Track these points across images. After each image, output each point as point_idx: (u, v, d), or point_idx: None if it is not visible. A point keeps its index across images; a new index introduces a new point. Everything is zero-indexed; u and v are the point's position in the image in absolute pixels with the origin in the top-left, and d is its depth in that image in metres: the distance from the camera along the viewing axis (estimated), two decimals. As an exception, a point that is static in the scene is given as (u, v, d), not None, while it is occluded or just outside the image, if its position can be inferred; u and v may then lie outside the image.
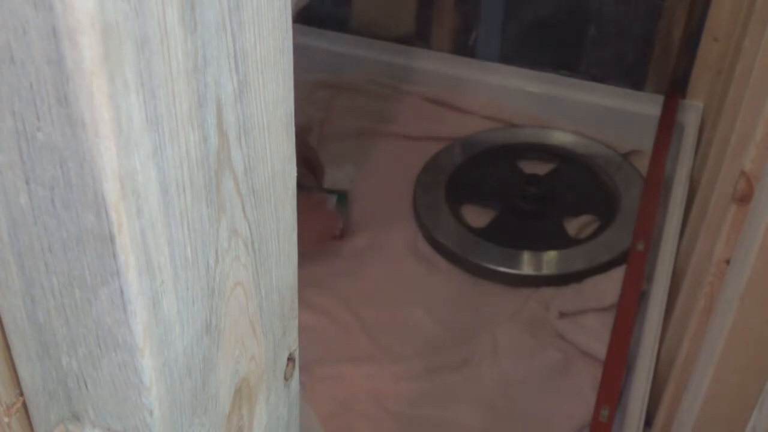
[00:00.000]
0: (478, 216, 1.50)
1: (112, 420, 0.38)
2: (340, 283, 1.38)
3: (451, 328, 1.32)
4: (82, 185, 0.30)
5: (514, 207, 1.49)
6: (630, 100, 1.63)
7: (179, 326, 0.36)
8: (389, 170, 1.58)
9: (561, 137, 1.61)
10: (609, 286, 1.34)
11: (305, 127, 1.61)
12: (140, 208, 0.31)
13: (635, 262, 1.31)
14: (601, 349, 1.24)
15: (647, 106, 1.60)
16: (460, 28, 1.73)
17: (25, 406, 0.39)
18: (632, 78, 1.64)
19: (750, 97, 0.96)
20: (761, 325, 0.74)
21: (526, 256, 1.40)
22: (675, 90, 1.60)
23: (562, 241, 1.44)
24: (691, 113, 1.57)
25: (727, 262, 0.90)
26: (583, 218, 1.48)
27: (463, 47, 1.74)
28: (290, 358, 0.48)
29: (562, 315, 1.32)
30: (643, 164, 1.54)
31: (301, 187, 1.40)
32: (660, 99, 1.60)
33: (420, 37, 1.76)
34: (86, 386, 0.37)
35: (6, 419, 0.39)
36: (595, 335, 1.28)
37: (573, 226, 1.47)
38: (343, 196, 1.48)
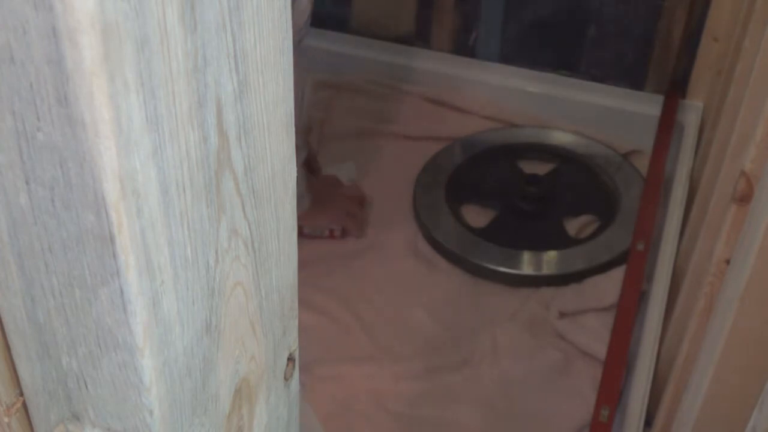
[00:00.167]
0: (478, 216, 1.50)
1: (112, 420, 0.38)
2: (340, 283, 1.38)
3: (451, 328, 1.32)
4: (82, 185, 0.30)
5: (514, 207, 1.49)
6: (630, 100, 1.63)
7: (179, 326, 0.36)
8: (389, 170, 1.58)
9: (561, 137, 1.61)
10: (609, 286, 1.34)
11: (305, 127, 1.61)
12: (140, 208, 0.31)
13: (635, 262, 1.31)
14: (601, 349, 1.24)
15: (647, 106, 1.60)
16: (460, 28, 1.73)
17: (25, 406, 0.39)
18: (632, 78, 1.64)
19: (750, 97, 0.96)
20: (761, 325, 0.74)
21: (526, 256, 1.40)
22: (675, 90, 1.60)
23: (562, 241, 1.44)
24: (691, 113, 1.57)
25: (727, 262, 0.90)
26: (583, 218, 1.48)
27: (463, 47, 1.74)
28: (290, 358, 0.48)
29: (562, 315, 1.32)
30: (643, 164, 1.54)
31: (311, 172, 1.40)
32: (660, 99, 1.60)
33: (420, 37, 1.76)
34: (86, 386, 0.37)
35: (6, 419, 0.39)
36: (595, 335, 1.28)
37: (573, 226, 1.47)
38: None
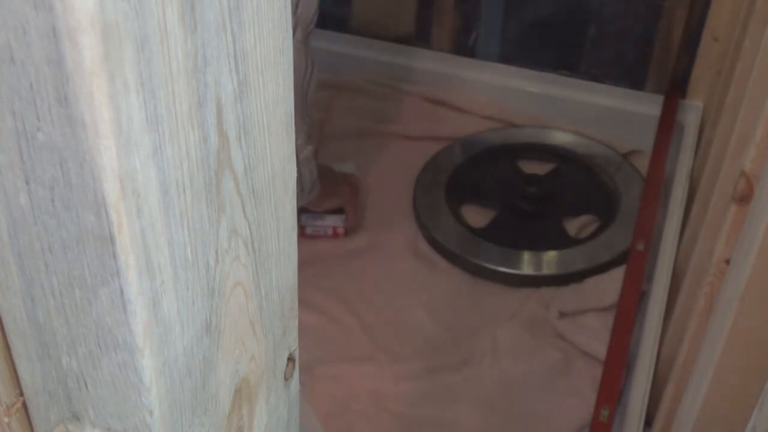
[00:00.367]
0: (478, 216, 1.50)
1: (112, 420, 0.38)
2: (340, 283, 1.38)
3: (451, 328, 1.32)
4: (82, 185, 0.30)
5: (514, 207, 1.49)
6: (630, 100, 1.63)
7: (179, 326, 0.36)
8: (389, 170, 1.58)
9: (561, 137, 1.61)
10: (609, 286, 1.34)
11: (313, 120, 1.61)
12: (140, 208, 0.31)
13: (635, 262, 1.31)
14: (601, 349, 1.24)
15: (647, 106, 1.60)
16: (460, 28, 1.73)
17: (25, 406, 0.39)
18: (632, 78, 1.64)
19: (750, 97, 0.96)
20: (761, 325, 0.74)
21: (526, 256, 1.40)
22: (675, 90, 1.60)
23: (562, 241, 1.44)
24: (691, 113, 1.57)
25: (727, 262, 0.90)
26: (583, 218, 1.48)
27: (463, 47, 1.74)
28: (290, 358, 0.48)
29: (562, 315, 1.32)
30: (643, 164, 1.54)
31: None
32: (660, 99, 1.60)
33: (420, 37, 1.76)
34: (86, 386, 0.37)
35: (6, 419, 0.39)
36: (595, 335, 1.28)
37: (573, 226, 1.47)
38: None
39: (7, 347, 0.38)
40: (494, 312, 1.34)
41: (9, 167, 0.31)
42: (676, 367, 1.04)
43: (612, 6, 1.59)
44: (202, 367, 0.39)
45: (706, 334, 0.87)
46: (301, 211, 1.41)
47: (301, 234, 1.40)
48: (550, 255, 1.40)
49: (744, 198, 0.87)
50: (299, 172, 1.24)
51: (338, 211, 1.45)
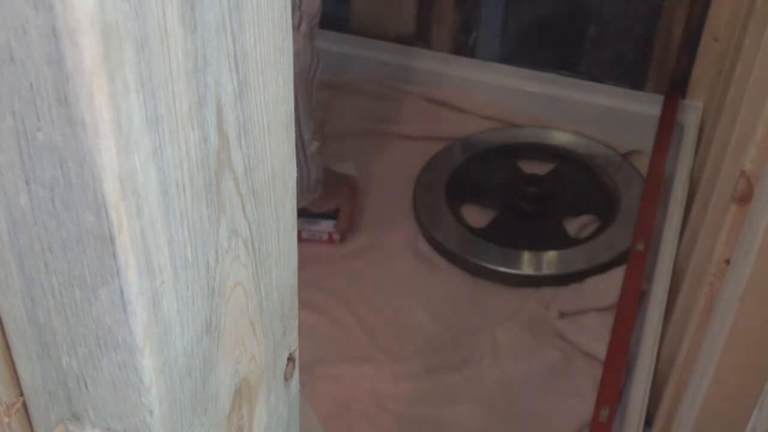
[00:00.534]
0: (478, 216, 1.50)
1: (112, 420, 0.38)
2: (340, 283, 1.38)
3: (451, 328, 1.32)
4: (82, 185, 0.30)
5: (514, 207, 1.49)
6: (630, 100, 1.63)
7: (179, 326, 0.36)
8: (389, 170, 1.58)
9: (561, 137, 1.61)
10: (609, 286, 1.34)
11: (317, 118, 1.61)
12: (140, 208, 0.31)
13: (635, 262, 1.31)
14: (601, 349, 1.24)
15: (647, 106, 1.60)
16: (460, 28, 1.73)
17: (25, 406, 0.39)
18: (632, 78, 1.64)
19: (750, 97, 0.96)
20: (761, 325, 0.74)
21: (526, 256, 1.40)
22: (675, 90, 1.60)
23: (562, 241, 1.44)
24: (691, 113, 1.57)
25: (727, 262, 0.90)
26: (583, 218, 1.48)
27: (463, 47, 1.74)
28: (290, 358, 0.48)
29: (562, 315, 1.32)
30: (643, 164, 1.54)
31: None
32: (660, 99, 1.60)
33: (420, 37, 1.76)
34: (86, 386, 0.37)
35: (6, 419, 0.39)
36: (595, 335, 1.28)
37: (573, 226, 1.47)
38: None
39: (7, 347, 0.38)
40: (494, 312, 1.34)
41: (9, 167, 0.31)
42: (676, 367, 1.04)
43: (612, 6, 1.59)
44: (202, 367, 0.39)
45: (706, 334, 0.87)
46: (297, 213, 1.41)
47: (297, 238, 1.40)
48: (550, 255, 1.40)
49: (744, 198, 0.87)
50: (306, 168, 1.24)
51: (333, 215, 1.44)
